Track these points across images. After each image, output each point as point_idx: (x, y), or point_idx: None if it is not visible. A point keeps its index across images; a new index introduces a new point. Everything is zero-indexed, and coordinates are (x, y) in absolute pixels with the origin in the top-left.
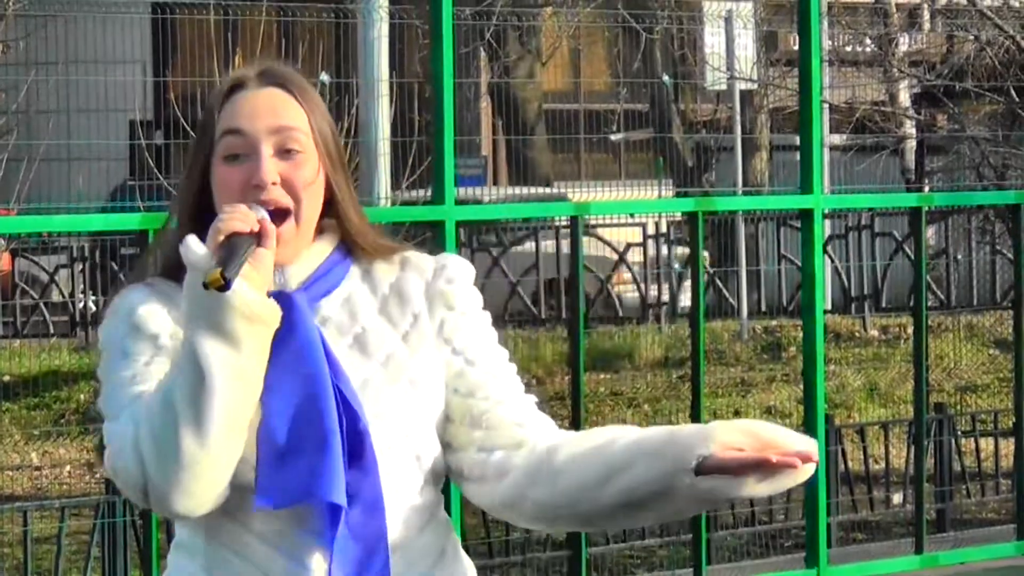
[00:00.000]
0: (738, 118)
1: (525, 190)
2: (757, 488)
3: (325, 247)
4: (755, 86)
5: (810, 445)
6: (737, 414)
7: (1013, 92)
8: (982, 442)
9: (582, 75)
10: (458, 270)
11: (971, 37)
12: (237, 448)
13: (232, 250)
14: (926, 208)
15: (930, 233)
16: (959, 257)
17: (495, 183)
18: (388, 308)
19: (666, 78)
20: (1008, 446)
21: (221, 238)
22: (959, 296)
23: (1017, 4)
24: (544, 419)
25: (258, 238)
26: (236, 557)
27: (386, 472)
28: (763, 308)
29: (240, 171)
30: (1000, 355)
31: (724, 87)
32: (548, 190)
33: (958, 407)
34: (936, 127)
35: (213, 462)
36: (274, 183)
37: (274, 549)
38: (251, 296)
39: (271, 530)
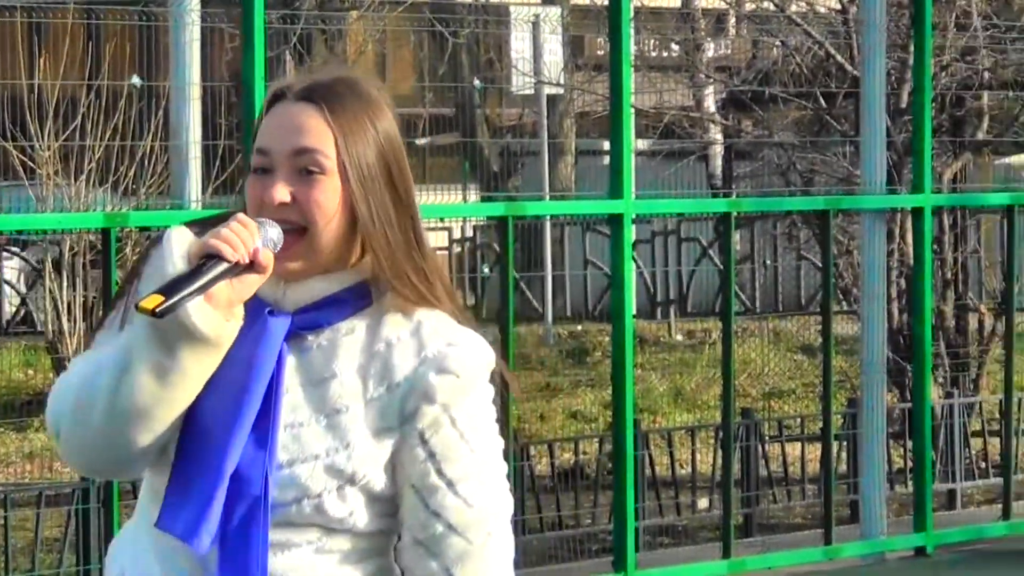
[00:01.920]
0: (544, 123)
1: None
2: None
3: (343, 279)
4: (562, 91)
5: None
6: (542, 418)
7: (820, 98)
8: (788, 447)
9: (388, 79)
10: (461, 362)
11: (778, 43)
12: (130, 438)
13: (198, 272)
14: (735, 213)
15: (736, 238)
16: (767, 263)
17: None
18: (369, 368)
19: (477, 82)
20: (814, 451)
21: (202, 253)
22: (765, 302)
23: (824, 10)
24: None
25: (251, 264)
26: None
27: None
28: (568, 313)
29: (259, 186)
30: (806, 360)
31: (531, 91)
32: None
33: (764, 412)
34: (743, 132)
35: (98, 436)
36: (284, 203)
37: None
38: (200, 318)
39: (167, 543)
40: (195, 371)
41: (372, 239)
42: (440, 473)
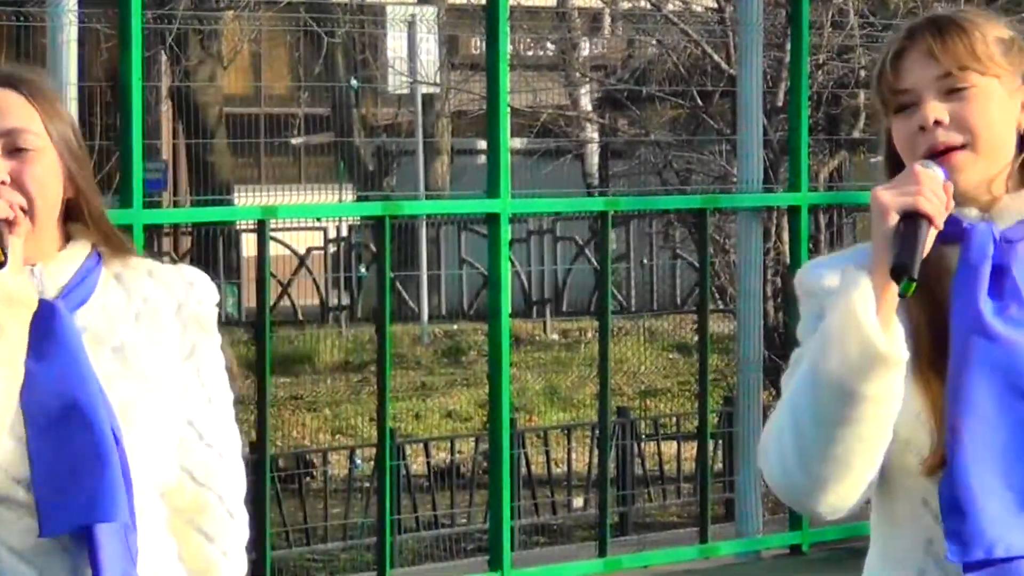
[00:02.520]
0: (420, 122)
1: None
2: None
3: (79, 252)
4: (438, 90)
5: None
6: (418, 418)
7: (697, 97)
8: (664, 446)
9: (264, 79)
10: (207, 290)
11: (654, 41)
12: None
13: None
14: (611, 212)
15: (612, 237)
16: (643, 261)
17: (175, 187)
18: (144, 320)
19: (354, 82)
20: (690, 449)
21: None
22: (640, 300)
23: (700, 9)
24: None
25: (8, 225)
26: None
27: (139, 493)
28: (444, 312)
29: None
30: (681, 359)
31: (407, 91)
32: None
33: (640, 411)
34: (619, 131)
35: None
36: (2, 182)
37: (28, 564)
38: (9, 279)
39: (28, 545)
40: (22, 338)
41: (90, 206)
42: (209, 400)
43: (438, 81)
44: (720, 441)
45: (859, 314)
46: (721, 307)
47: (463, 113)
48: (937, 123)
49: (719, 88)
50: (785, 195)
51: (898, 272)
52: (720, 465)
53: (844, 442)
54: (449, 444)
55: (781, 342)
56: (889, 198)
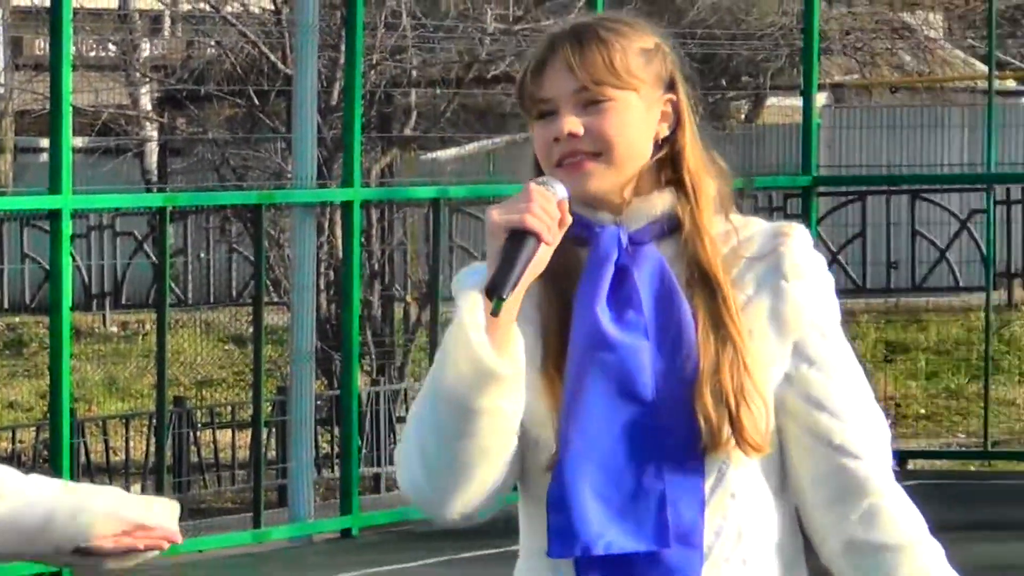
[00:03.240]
0: None
1: None
2: (124, 563)
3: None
4: (1, 90)
5: (171, 522)
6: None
7: (254, 96)
8: (220, 434)
9: None
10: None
11: (213, 42)
12: None
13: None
14: (170, 208)
15: (170, 232)
16: (201, 255)
17: None
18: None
19: None
20: (244, 437)
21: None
22: (197, 293)
23: (258, 11)
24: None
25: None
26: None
27: None
28: (7, 306)
29: None
30: (236, 350)
31: None
32: None
33: (196, 400)
34: (178, 130)
35: None
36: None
37: None
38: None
39: None
40: None
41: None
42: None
43: (2, 81)
44: (274, 429)
45: (468, 331)
46: (276, 300)
47: (27, 112)
48: (572, 135)
49: (276, 88)
50: (338, 191)
51: (489, 291)
52: (273, 453)
53: (465, 453)
54: (11, 434)
55: (333, 333)
56: (498, 217)
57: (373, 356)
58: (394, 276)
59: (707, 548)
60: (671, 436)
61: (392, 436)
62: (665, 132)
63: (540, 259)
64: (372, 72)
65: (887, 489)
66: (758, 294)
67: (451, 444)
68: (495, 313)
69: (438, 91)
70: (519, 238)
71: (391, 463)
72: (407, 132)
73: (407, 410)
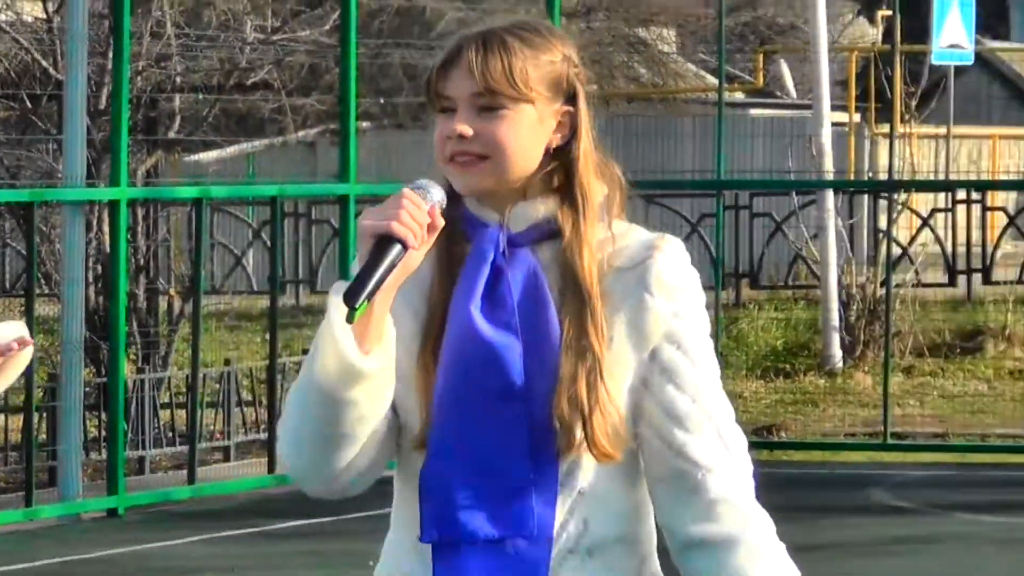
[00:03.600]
0: None
1: None
2: None
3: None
4: None
5: (21, 330)
6: None
7: (27, 99)
8: None
9: None
10: None
11: None
12: None
13: None
14: None
15: None
16: None
17: None
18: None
19: None
20: (16, 422)
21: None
22: None
23: (31, 19)
24: None
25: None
26: None
27: None
28: None
29: None
30: None
31: None
32: None
33: None
34: None
35: None
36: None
37: None
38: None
39: None
40: None
41: None
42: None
43: None
44: (45, 414)
45: (335, 328)
46: (47, 291)
47: None
48: (462, 136)
49: (47, 92)
50: (106, 190)
51: (345, 299)
52: (44, 436)
53: (333, 437)
54: None
55: (101, 324)
56: (366, 223)
57: (139, 346)
58: (159, 270)
59: (555, 539)
60: (533, 432)
61: (156, 421)
62: (559, 142)
63: (408, 263)
64: (138, 78)
65: (728, 495)
66: (622, 304)
67: (321, 429)
68: (350, 321)
69: (200, 97)
70: (385, 244)
71: (155, 446)
72: (171, 135)
73: (171, 397)
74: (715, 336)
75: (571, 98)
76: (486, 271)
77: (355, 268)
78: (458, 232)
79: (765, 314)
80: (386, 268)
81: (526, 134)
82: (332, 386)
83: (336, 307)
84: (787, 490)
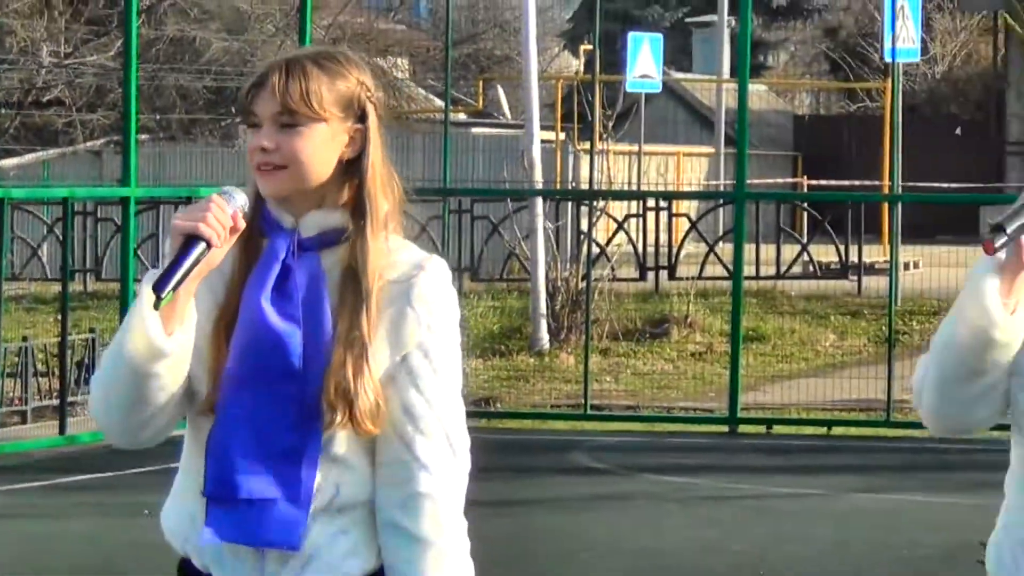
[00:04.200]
0: None
1: None
2: None
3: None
4: None
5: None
6: None
7: None
8: None
9: None
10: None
11: None
12: None
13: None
14: None
15: None
16: None
17: None
18: None
19: None
20: None
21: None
22: None
23: None
24: None
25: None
26: None
27: None
28: None
29: None
30: None
31: None
32: None
33: None
34: None
35: None
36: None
37: None
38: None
39: None
40: None
41: None
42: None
43: None
44: None
45: (144, 311)
46: None
47: None
48: (264, 149)
49: None
50: None
51: (154, 289)
52: None
53: (136, 402)
54: None
55: None
56: (177, 223)
57: None
58: None
59: (312, 500)
60: (304, 408)
61: None
62: (350, 155)
63: (211, 259)
64: None
65: (436, 494)
66: (387, 310)
67: (128, 394)
68: (156, 307)
69: (2, 111)
70: (192, 242)
71: None
72: None
73: None
74: None
75: (362, 117)
76: (277, 268)
77: (165, 261)
78: (258, 229)
79: (483, 303)
80: (191, 263)
81: (319, 148)
82: (139, 362)
83: (146, 294)
84: (501, 454)
